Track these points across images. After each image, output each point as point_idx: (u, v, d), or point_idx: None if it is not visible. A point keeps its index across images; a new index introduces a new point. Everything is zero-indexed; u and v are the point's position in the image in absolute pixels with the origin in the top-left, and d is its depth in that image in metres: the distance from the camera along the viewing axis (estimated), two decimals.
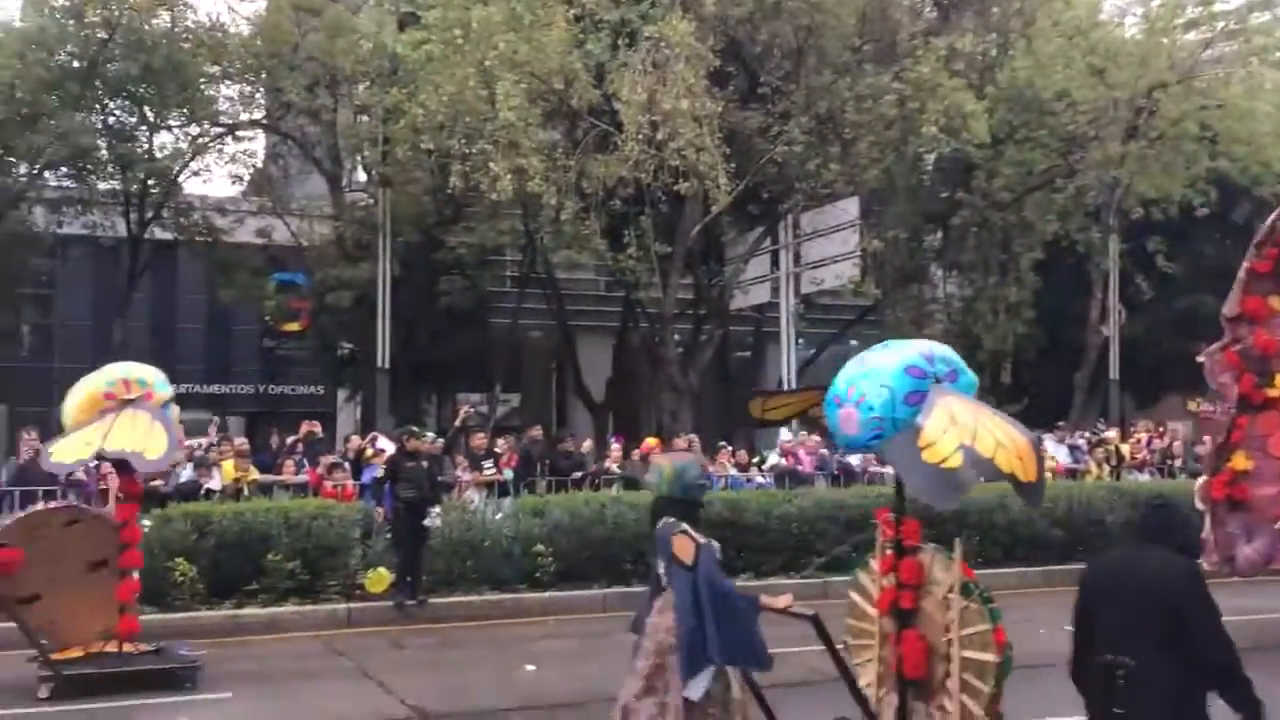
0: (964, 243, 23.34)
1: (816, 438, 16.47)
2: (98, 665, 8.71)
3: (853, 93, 19.11)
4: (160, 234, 23.22)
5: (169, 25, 19.88)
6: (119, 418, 8.65)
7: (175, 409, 9.41)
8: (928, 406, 5.06)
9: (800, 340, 22.37)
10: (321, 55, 20.68)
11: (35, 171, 19.98)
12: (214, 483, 13.80)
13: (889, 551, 5.61)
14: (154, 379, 9.19)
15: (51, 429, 15.33)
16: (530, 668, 9.43)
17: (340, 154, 23.62)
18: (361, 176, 24.39)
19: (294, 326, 24.14)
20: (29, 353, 27.51)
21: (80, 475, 12.00)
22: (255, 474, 13.78)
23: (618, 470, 15.43)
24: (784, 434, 17.37)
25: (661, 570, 5.43)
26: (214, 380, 29.64)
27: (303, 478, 14.05)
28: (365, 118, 22.29)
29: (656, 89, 17.29)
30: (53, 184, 21.19)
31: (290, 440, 15.56)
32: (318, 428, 16.22)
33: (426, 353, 23.30)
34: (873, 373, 5.25)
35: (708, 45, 17.73)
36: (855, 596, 6.04)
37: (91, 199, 21.95)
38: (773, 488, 15.52)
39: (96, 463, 10.46)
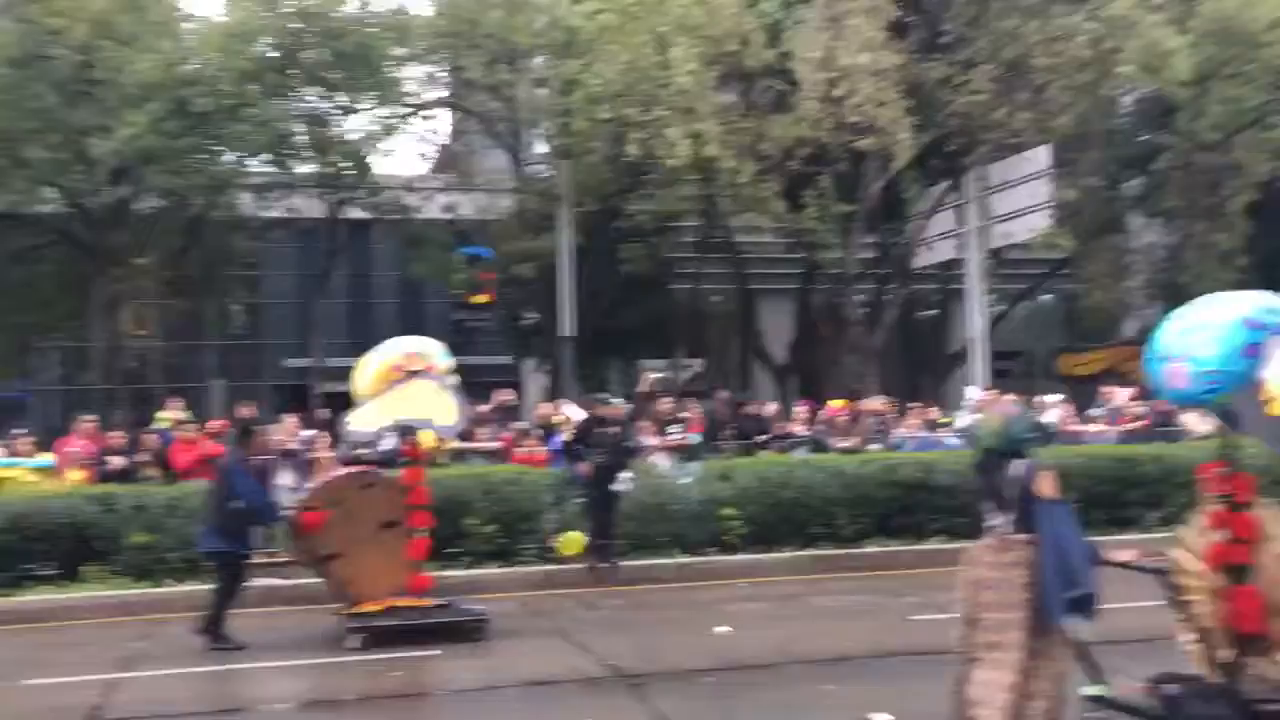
0: (1166, 188, 22.09)
1: (1011, 396, 15.95)
2: (399, 618, 9.24)
3: (1042, 35, 18.28)
4: (355, 213, 24.23)
5: (358, 10, 20.63)
6: (409, 387, 9.33)
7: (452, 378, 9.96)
8: (1267, 358, 4.99)
9: (991, 296, 21.65)
10: (500, 31, 21.10)
11: (240, 159, 21.11)
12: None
13: (1218, 507, 5.52)
14: (435, 351, 9.79)
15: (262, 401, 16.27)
16: (723, 629, 9.48)
17: (520, 128, 24.12)
18: (541, 149, 24.84)
19: (481, 298, 24.84)
20: (240, 332, 29.22)
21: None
22: (455, 442, 14.26)
23: (805, 433, 15.30)
24: (970, 392, 16.88)
25: (998, 520, 5.33)
26: None
27: (496, 444, 14.47)
28: (543, 90, 22.68)
29: (834, 45, 16.99)
30: (256, 170, 22.37)
31: (484, 408, 16.03)
32: (511, 396, 16.68)
33: (609, 320, 23.64)
34: (1202, 326, 5.20)
35: None
36: (1179, 552, 5.87)
37: (292, 183, 23.10)
38: (965, 448, 15.10)
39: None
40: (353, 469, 10.54)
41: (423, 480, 9.83)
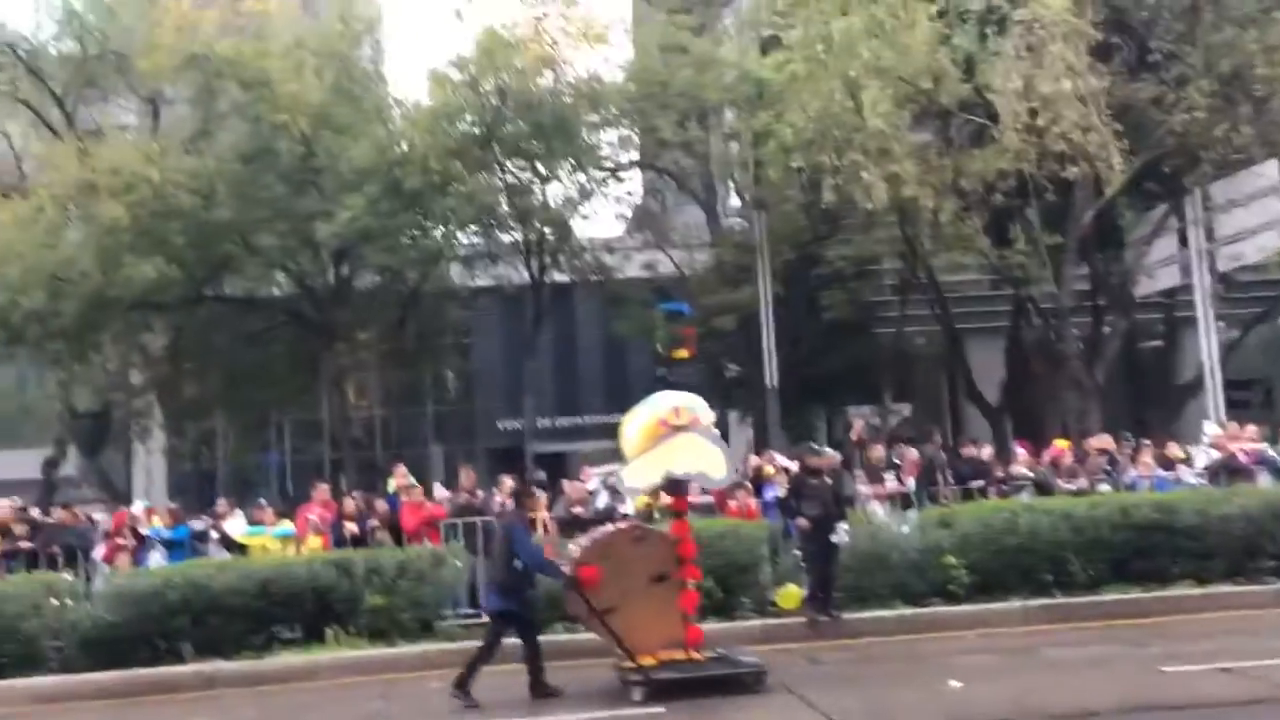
0: None
1: (1252, 428, 14.90)
2: (678, 671, 9.39)
3: (1260, 44, 17.23)
4: (558, 277, 24.92)
5: (552, 84, 21.36)
6: (676, 441, 9.55)
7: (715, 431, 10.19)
8: None
9: (1221, 323, 20.32)
10: (690, 90, 21.44)
11: (449, 232, 22.08)
12: (627, 507, 14.52)
13: None
14: (698, 405, 10.01)
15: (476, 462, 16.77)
16: (955, 684, 9.12)
17: (714, 182, 24.37)
18: (735, 202, 25.00)
19: (683, 353, 24.95)
20: (454, 397, 30.36)
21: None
22: (665, 497, 14.33)
23: (1027, 475, 14.67)
24: (1208, 427, 15.84)
25: None
26: (614, 410, 31.19)
27: (707, 499, 14.46)
28: (735, 144, 22.87)
29: (1033, 73, 16.46)
30: (464, 242, 23.34)
31: None
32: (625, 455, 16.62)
33: (812, 368, 23.41)
34: None
35: (1087, 19, 16.64)
36: None
37: (497, 252, 23.99)
38: (1202, 486, 14.16)
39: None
40: (621, 524, 10.80)
41: (691, 533, 9.96)
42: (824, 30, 17.50)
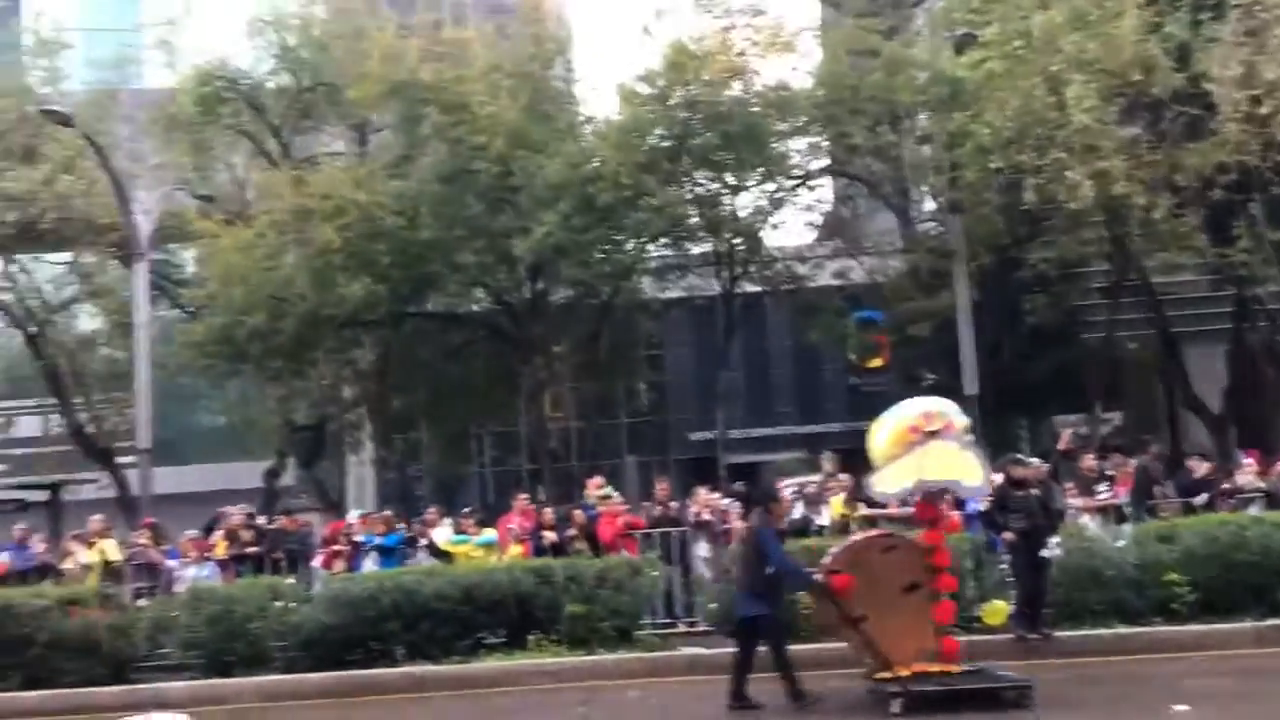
0: None
1: None
2: (936, 684, 9.19)
3: None
4: (749, 287, 24.85)
5: (741, 93, 21.34)
6: (929, 448, 9.34)
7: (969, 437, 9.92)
8: None
9: None
10: (881, 93, 21.04)
11: (641, 245, 22.33)
12: (823, 519, 14.33)
13: None
14: (951, 410, 9.77)
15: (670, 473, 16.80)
16: (1182, 708, 8.57)
17: (907, 186, 23.83)
18: (930, 206, 24.37)
19: (876, 362, 24.57)
20: (647, 409, 30.65)
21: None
22: (863, 509, 14.07)
23: (1259, 487, 13.69)
24: None
25: None
26: (807, 421, 30.99)
27: (908, 510, 14.09)
28: (929, 147, 22.30)
29: (1254, 59, 15.45)
30: (655, 254, 23.56)
31: None
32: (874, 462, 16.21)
33: (1014, 376, 22.55)
34: None
35: None
36: None
37: (688, 263, 24.12)
38: None
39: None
40: (872, 532, 10.70)
41: (944, 542, 9.79)
42: (1023, 25, 16.92)
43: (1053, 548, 11.18)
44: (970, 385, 19.87)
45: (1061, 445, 14.11)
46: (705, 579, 13.82)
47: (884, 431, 9.63)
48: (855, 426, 29.58)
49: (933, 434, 9.32)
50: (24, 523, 17.57)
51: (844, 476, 14.95)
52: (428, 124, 21.96)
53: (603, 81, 24.86)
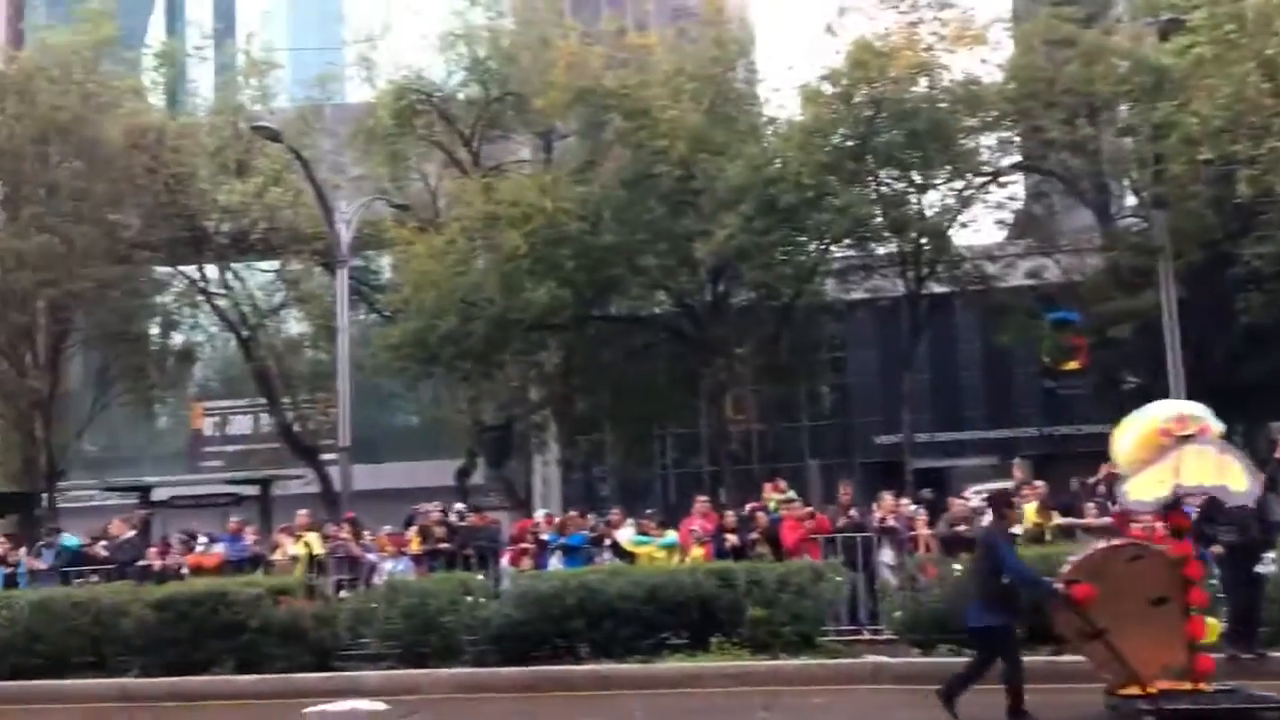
0: None
1: None
2: (1190, 701, 8.74)
3: None
4: (936, 288, 24.23)
5: (927, 89, 20.84)
6: (1184, 453, 8.80)
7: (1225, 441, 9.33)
8: None
9: None
10: (1078, 84, 20.19)
11: (824, 246, 22.07)
12: (1015, 528, 13.80)
13: None
14: (1204, 413, 9.21)
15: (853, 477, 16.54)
16: None
17: (1106, 181, 22.77)
18: (1131, 201, 23.23)
19: (1072, 365, 23.57)
20: (829, 412, 30.28)
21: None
22: (1057, 518, 13.52)
23: None
24: None
25: None
26: (997, 425, 30.03)
27: (1106, 520, 13.46)
28: (1130, 139, 21.27)
29: None
30: (838, 255, 23.24)
31: (1089, 481, 15.05)
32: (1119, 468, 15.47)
33: (1226, 378, 21.24)
34: None
35: None
36: None
37: (872, 264, 23.70)
38: None
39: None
40: (1116, 541, 10.29)
41: (1194, 553, 9.24)
42: (1235, 8, 15.93)
43: (1268, 563, 10.47)
44: (1176, 388, 18.84)
45: (1277, 454, 13.22)
46: (891, 586, 13.52)
47: (1130, 435, 9.04)
48: (1050, 431, 28.66)
49: (1187, 438, 8.68)
50: (237, 515, 18.66)
51: (1038, 484, 14.36)
52: (611, 130, 22.30)
53: (785, 82, 24.69)
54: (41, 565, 16.23)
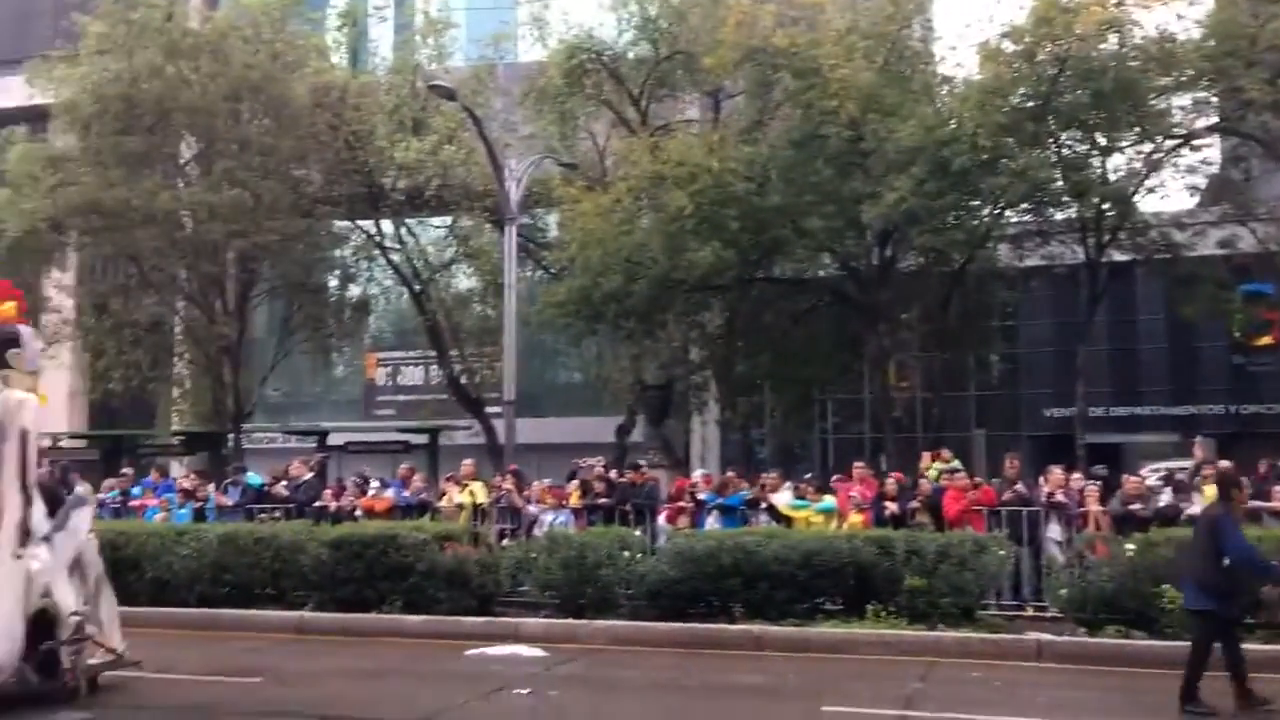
0: None
1: None
2: None
3: None
4: (1117, 256, 23.15)
5: (1117, 47, 19.81)
6: None
7: None
8: None
9: None
10: None
11: (998, 211, 21.32)
12: (1194, 508, 13.18)
13: None
14: None
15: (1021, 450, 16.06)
16: None
17: None
18: None
19: (1266, 339, 22.28)
20: (998, 382, 29.38)
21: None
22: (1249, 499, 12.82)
23: None
24: None
25: None
26: (1179, 401, 28.61)
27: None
28: None
29: None
30: (1013, 220, 22.41)
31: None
32: None
33: None
34: None
35: None
36: None
37: (1049, 230, 22.78)
38: None
39: None
40: None
41: None
42: None
43: None
44: None
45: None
46: (1057, 562, 13.11)
47: None
48: (1237, 409, 27.24)
49: None
50: (407, 462, 19.38)
51: (1224, 464, 13.63)
52: (780, 89, 22.00)
53: (963, 39, 23.76)
54: (228, 501, 17.23)
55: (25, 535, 9.42)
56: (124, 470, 19.95)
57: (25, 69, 25.31)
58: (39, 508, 9.65)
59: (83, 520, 10.24)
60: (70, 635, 9.52)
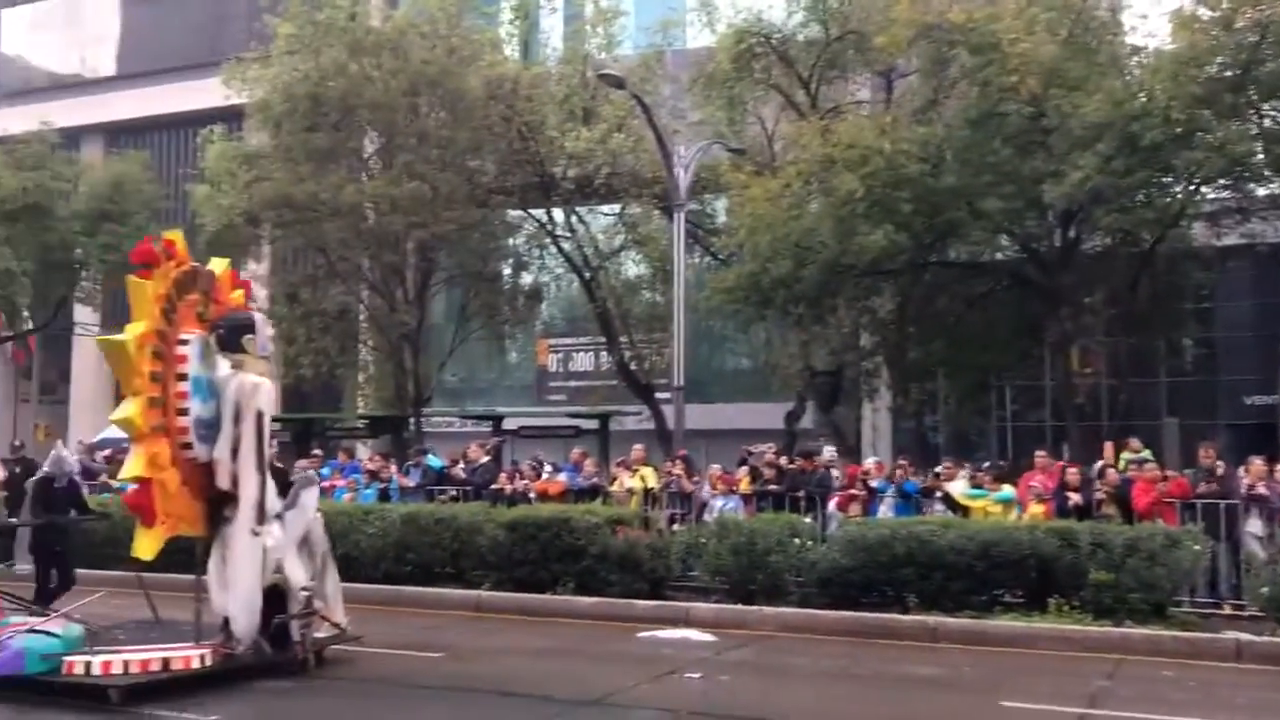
0: None
1: None
2: None
3: None
4: None
5: None
6: None
7: None
8: None
9: None
10: None
11: (1193, 187, 20.19)
12: None
13: None
14: None
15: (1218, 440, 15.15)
16: None
17: None
18: None
19: None
20: (1193, 368, 27.88)
21: None
22: None
23: None
24: None
25: None
26: None
27: None
28: None
29: None
30: (1210, 197, 21.19)
31: None
32: None
33: None
34: None
35: None
36: None
37: (1249, 207, 21.44)
38: None
39: None
40: None
41: None
42: None
43: None
44: None
45: None
46: (1258, 559, 12.38)
47: None
48: None
49: None
50: (580, 447, 19.71)
51: None
52: (955, 67, 21.36)
53: (1154, 8, 22.45)
54: (410, 483, 17.87)
55: (261, 513, 9.89)
56: (314, 452, 20.94)
57: (221, 71, 26.72)
58: (271, 486, 10.14)
59: (311, 499, 10.72)
60: (301, 610, 9.99)
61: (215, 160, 25.79)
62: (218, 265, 11.06)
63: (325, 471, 19.03)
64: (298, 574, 10.12)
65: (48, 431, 35.97)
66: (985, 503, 14.28)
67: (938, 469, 15.83)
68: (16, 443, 21.91)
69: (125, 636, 9.88)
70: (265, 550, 9.83)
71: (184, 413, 9.82)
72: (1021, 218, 20.94)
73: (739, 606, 13.08)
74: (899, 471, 15.49)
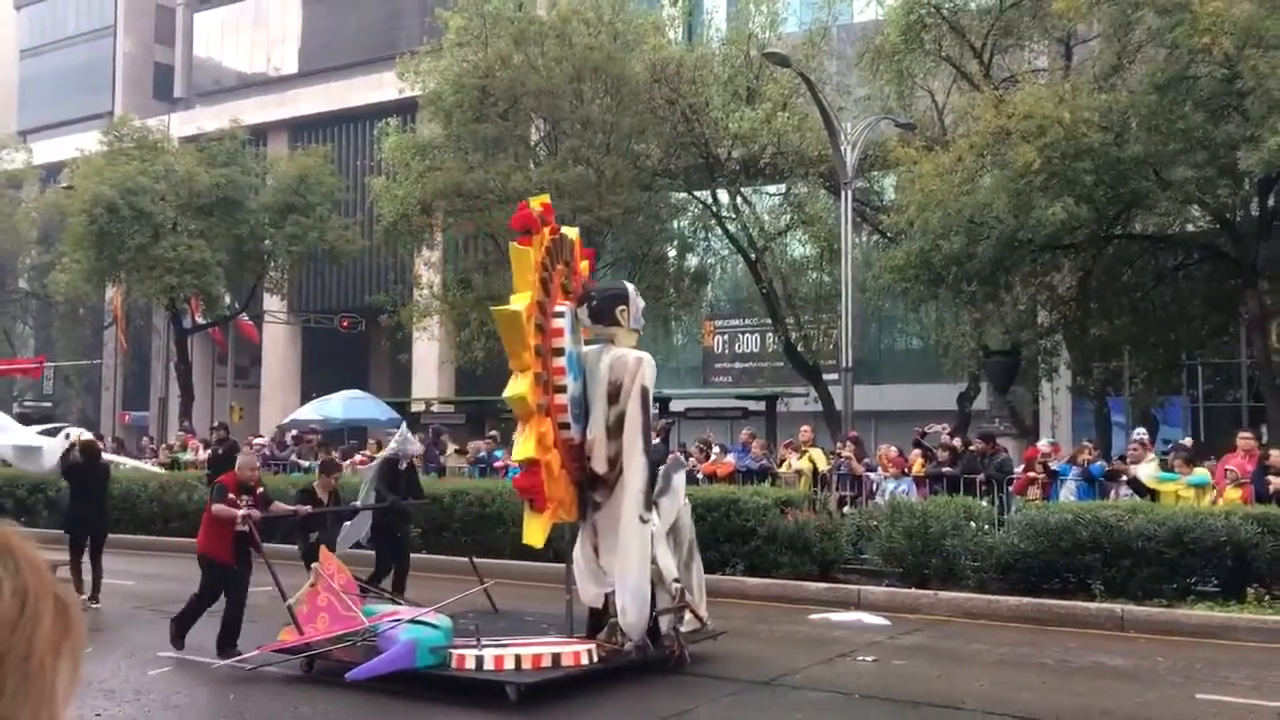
0: None
1: None
2: None
3: None
4: None
5: None
6: None
7: None
8: None
9: None
10: None
11: None
12: None
13: None
14: None
15: None
16: None
17: None
18: None
19: None
20: None
21: None
22: None
23: None
24: None
25: None
26: None
27: None
28: None
29: None
30: None
31: None
32: None
33: None
34: None
35: None
36: None
37: None
38: None
39: None
40: None
41: None
42: None
43: None
44: None
45: None
46: None
47: None
48: None
49: None
50: (748, 428, 19.64)
51: None
52: (1141, 30, 20.30)
53: None
54: None
55: (649, 499, 9.07)
56: (491, 433, 21.48)
57: (396, 65, 27.61)
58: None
59: (681, 482, 9.96)
60: (675, 603, 9.13)
61: (391, 152, 26.69)
62: (570, 232, 10.12)
63: (499, 453, 19.50)
64: (669, 564, 9.21)
65: (241, 413, 38.06)
66: (1176, 486, 13.60)
67: (1124, 451, 15.13)
68: (217, 424, 23.21)
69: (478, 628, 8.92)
70: (651, 539, 8.94)
71: (561, 389, 9.12)
72: (1214, 186, 19.79)
73: (912, 590, 12.83)
74: (1083, 455, 14.87)
